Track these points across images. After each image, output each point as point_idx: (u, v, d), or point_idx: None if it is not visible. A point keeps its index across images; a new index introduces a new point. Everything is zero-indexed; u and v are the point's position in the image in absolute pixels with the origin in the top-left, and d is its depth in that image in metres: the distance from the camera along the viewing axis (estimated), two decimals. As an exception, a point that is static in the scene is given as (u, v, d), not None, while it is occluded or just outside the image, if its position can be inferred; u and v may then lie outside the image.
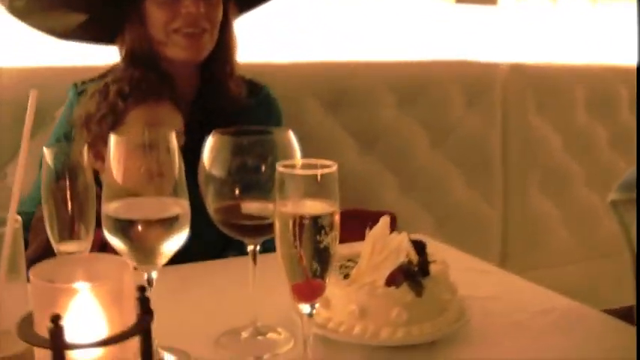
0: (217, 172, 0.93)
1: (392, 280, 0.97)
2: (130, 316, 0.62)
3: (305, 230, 0.76)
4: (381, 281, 0.97)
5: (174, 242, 0.85)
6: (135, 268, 0.85)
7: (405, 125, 2.26)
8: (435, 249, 1.08)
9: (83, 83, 1.57)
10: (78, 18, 1.59)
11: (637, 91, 2.22)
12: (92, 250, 0.95)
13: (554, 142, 2.50)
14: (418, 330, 0.96)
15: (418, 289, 0.97)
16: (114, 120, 1.36)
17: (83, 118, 1.40)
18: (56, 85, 1.64)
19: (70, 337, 0.58)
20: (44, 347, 0.58)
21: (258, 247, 0.96)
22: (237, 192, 0.93)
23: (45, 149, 0.93)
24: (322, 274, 0.79)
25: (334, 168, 0.77)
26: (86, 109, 1.41)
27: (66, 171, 0.92)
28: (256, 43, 2.10)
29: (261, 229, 0.91)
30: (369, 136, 2.21)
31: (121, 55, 1.59)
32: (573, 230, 2.54)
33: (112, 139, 0.85)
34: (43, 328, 0.58)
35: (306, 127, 2.05)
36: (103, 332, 0.60)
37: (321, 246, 0.77)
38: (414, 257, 1.01)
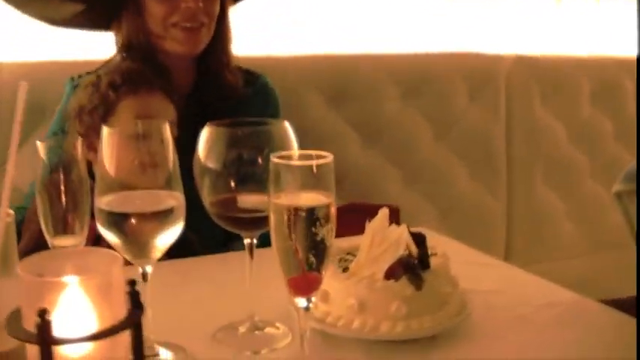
0: (213, 164, 0.92)
1: (391, 273, 0.95)
2: (120, 311, 0.61)
3: (300, 222, 0.75)
4: (380, 274, 0.95)
5: (169, 235, 0.84)
6: (129, 263, 0.84)
7: (409, 118, 2.24)
8: (437, 242, 1.06)
9: (79, 77, 1.56)
10: (75, 7, 1.58)
11: (637, 83, 2.20)
12: (86, 243, 0.94)
13: (559, 134, 2.48)
14: (418, 324, 0.95)
15: (418, 282, 0.95)
16: (105, 111, 1.35)
17: (76, 109, 1.40)
18: (59, 79, 1.63)
19: (58, 331, 0.56)
20: (31, 342, 0.57)
21: (255, 241, 0.95)
22: (232, 184, 0.91)
23: (38, 143, 0.92)
24: (318, 267, 0.77)
25: (330, 159, 0.76)
26: (79, 100, 1.40)
27: (60, 165, 0.91)
28: (258, 36, 2.09)
29: (258, 221, 0.90)
30: (373, 129, 2.20)
31: (117, 45, 1.58)
32: (578, 223, 2.53)
33: (105, 130, 0.84)
34: (31, 323, 0.57)
35: (308, 121, 2.05)
36: (93, 327, 0.59)
37: (317, 238, 0.75)
38: (414, 250, 0.99)
